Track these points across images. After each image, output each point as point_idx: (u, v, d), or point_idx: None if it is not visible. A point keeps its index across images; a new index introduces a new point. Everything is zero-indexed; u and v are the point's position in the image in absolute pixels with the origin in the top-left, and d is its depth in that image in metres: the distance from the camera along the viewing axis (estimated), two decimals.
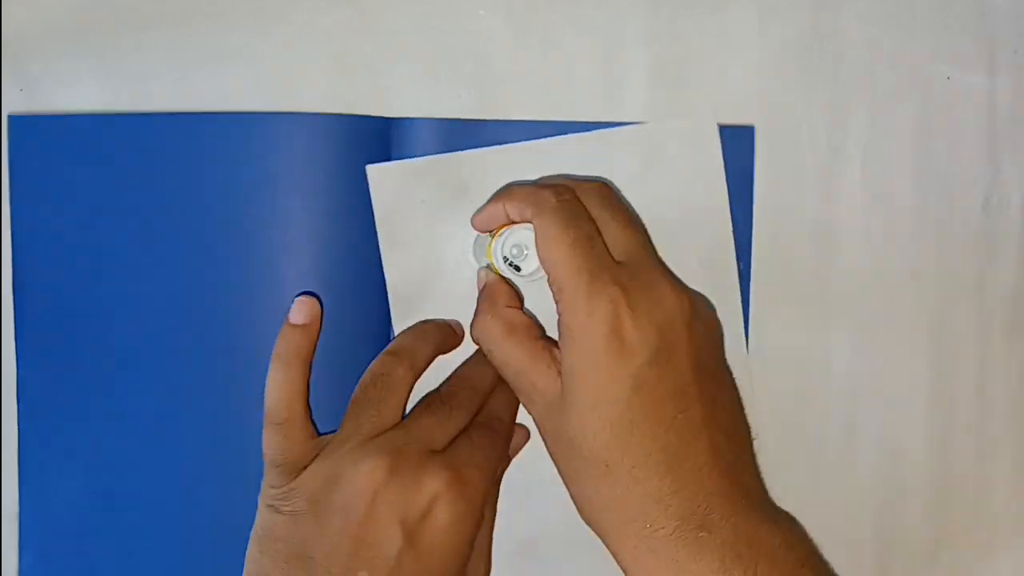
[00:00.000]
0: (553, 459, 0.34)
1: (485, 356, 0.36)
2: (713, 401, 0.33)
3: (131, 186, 0.40)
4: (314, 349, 0.37)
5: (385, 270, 0.40)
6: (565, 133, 0.40)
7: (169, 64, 0.40)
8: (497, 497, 0.38)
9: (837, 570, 0.42)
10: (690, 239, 0.40)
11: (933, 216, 0.42)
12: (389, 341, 0.39)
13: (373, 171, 0.39)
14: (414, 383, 0.36)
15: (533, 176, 0.40)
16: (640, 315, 0.32)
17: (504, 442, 0.37)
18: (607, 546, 0.33)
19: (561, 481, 0.34)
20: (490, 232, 0.37)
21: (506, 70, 0.40)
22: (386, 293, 0.40)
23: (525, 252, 0.36)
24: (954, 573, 0.43)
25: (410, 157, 0.40)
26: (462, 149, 0.40)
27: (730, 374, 0.36)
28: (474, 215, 0.38)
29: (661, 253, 0.37)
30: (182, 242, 0.40)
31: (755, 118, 0.41)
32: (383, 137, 0.40)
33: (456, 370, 0.38)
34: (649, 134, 0.40)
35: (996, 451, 0.43)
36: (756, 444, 0.35)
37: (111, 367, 0.40)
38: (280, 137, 0.39)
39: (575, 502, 0.34)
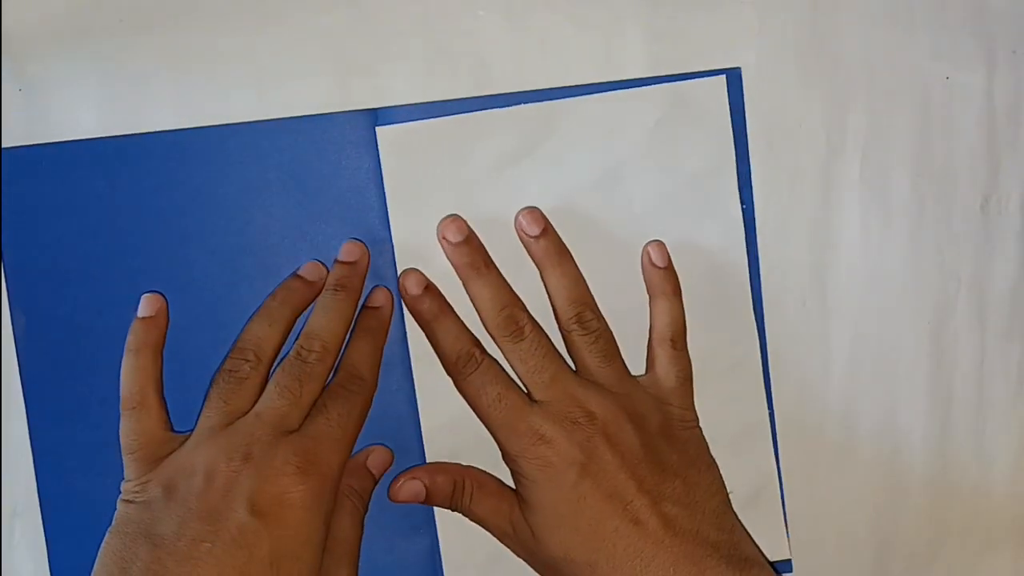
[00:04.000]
0: None
1: (331, 305, 0.38)
2: (658, 484, 0.37)
3: (131, 201, 0.40)
4: (163, 339, 0.39)
5: (392, 229, 0.40)
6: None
7: (168, 64, 0.40)
8: (369, 492, 0.39)
9: (836, 569, 0.42)
10: (700, 214, 0.41)
11: (932, 216, 0.42)
12: (403, 339, 0.40)
13: (383, 132, 0.40)
14: (266, 371, 0.38)
15: (545, 135, 0.40)
16: (558, 441, 0.37)
17: (364, 403, 0.38)
18: None
19: None
20: None
21: (505, 70, 0.40)
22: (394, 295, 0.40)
23: None
24: (953, 573, 0.43)
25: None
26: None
27: (689, 446, 0.39)
28: None
29: (671, 228, 0.40)
30: (185, 253, 0.40)
31: (753, 118, 0.41)
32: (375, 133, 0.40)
33: (307, 327, 0.38)
34: (657, 95, 0.40)
35: (996, 451, 0.43)
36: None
37: (118, 375, 0.39)
38: (277, 143, 0.40)
39: None
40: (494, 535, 0.40)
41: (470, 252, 0.39)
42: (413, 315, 0.40)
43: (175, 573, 0.32)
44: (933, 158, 0.41)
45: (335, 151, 0.40)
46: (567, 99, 0.40)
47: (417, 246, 0.40)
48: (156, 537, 0.33)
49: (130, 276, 0.40)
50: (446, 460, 0.41)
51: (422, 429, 0.41)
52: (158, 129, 0.40)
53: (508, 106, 0.40)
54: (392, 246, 0.40)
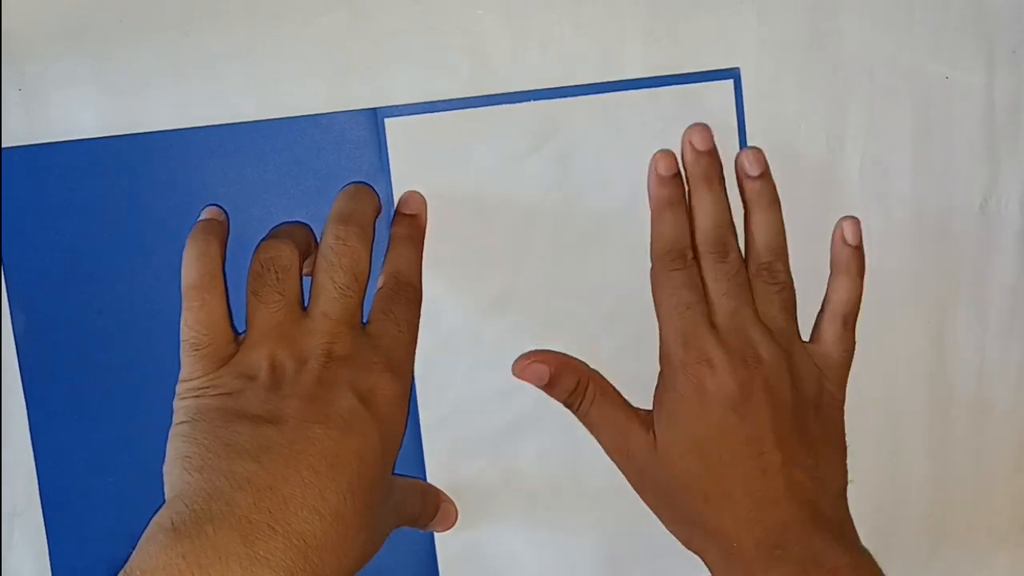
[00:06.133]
0: (653, 509, 0.39)
1: (355, 192, 0.38)
2: (795, 448, 0.37)
3: (132, 200, 0.40)
4: (227, 236, 0.37)
5: None
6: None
7: (167, 65, 0.40)
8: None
9: None
10: None
11: (931, 216, 0.42)
12: None
13: (391, 124, 0.40)
14: (302, 261, 0.36)
15: (553, 132, 0.40)
16: (722, 371, 0.37)
17: (419, 307, 0.37)
18: (706, 563, 0.38)
19: None
20: None
21: (504, 70, 0.40)
22: None
23: None
24: (953, 573, 0.43)
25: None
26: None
27: (831, 424, 0.39)
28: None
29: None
30: (181, 254, 0.40)
31: (754, 118, 0.41)
32: (376, 130, 0.40)
33: (335, 212, 0.37)
34: (664, 97, 0.40)
35: (995, 451, 0.43)
36: (850, 488, 0.39)
37: (118, 375, 0.40)
38: (277, 143, 0.40)
39: (679, 537, 0.39)
40: (605, 446, 0.39)
41: (711, 164, 0.39)
42: (651, 196, 0.40)
43: (291, 451, 0.30)
44: (933, 158, 0.41)
45: (335, 151, 0.40)
46: (576, 97, 0.40)
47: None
48: (254, 416, 0.31)
49: (130, 275, 0.40)
50: (446, 456, 0.41)
51: (421, 426, 0.41)
52: (158, 129, 0.40)
53: (504, 98, 0.40)
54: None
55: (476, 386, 0.40)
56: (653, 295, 0.39)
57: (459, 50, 0.40)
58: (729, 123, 0.40)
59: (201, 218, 0.38)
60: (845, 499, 0.38)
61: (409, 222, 0.39)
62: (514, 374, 0.40)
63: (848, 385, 0.41)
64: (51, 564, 0.41)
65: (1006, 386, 0.42)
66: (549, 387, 0.39)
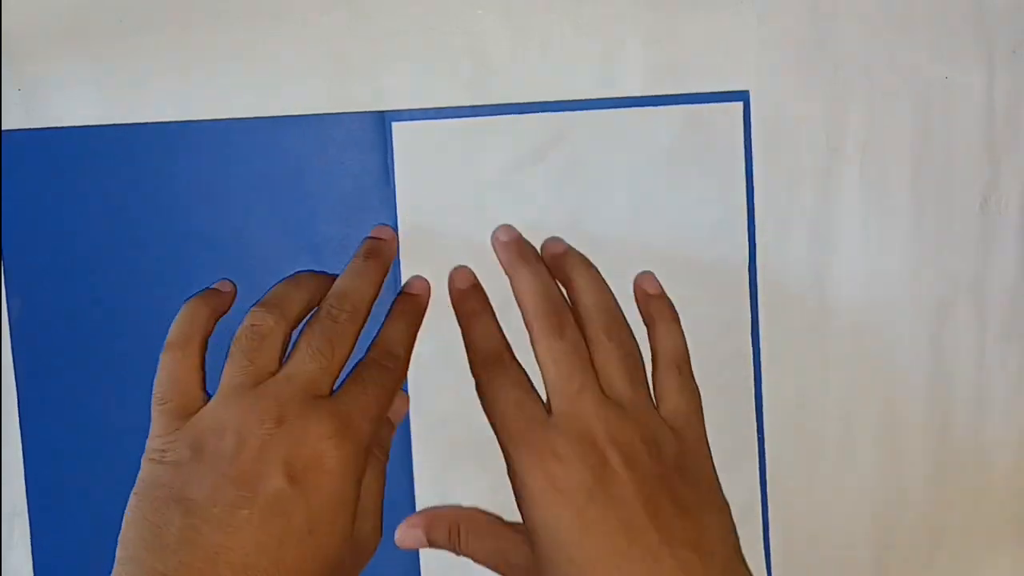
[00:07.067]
0: None
1: (362, 270, 0.38)
2: (671, 521, 0.34)
3: (132, 189, 0.40)
4: (225, 309, 0.39)
5: (399, 225, 0.40)
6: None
7: (167, 64, 0.40)
8: (389, 441, 0.39)
9: (836, 569, 0.42)
10: (707, 236, 0.41)
11: (931, 216, 0.42)
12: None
13: (399, 128, 0.40)
14: (289, 331, 0.37)
15: (558, 144, 0.40)
16: (571, 461, 0.35)
17: (396, 380, 0.38)
18: None
19: None
20: None
21: (504, 70, 0.40)
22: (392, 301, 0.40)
23: None
24: (953, 573, 0.43)
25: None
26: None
27: (702, 483, 0.37)
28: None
29: (675, 249, 0.40)
30: (185, 244, 0.40)
31: (753, 118, 0.41)
32: (382, 134, 0.40)
33: (335, 288, 0.38)
34: (672, 115, 0.40)
35: (995, 451, 0.43)
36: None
37: (112, 371, 0.40)
38: (277, 141, 0.40)
39: None
40: (492, 569, 0.38)
41: (520, 245, 0.39)
42: (456, 309, 0.40)
43: (212, 540, 0.32)
44: (933, 158, 0.41)
45: (340, 151, 0.40)
46: (583, 111, 0.40)
47: (423, 243, 0.40)
48: (189, 501, 0.32)
49: (129, 267, 0.40)
50: (437, 469, 0.41)
51: (412, 431, 0.41)
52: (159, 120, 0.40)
53: (512, 108, 0.40)
54: (396, 243, 0.40)
55: (470, 394, 0.40)
56: (485, 409, 0.38)
57: (459, 50, 0.40)
58: (736, 145, 0.40)
59: (210, 288, 0.39)
60: (738, 559, 0.36)
61: (409, 299, 0.40)
62: (397, 545, 0.39)
63: (848, 385, 0.42)
64: (33, 563, 0.40)
65: (1006, 386, 0.42)
66: (432, 545, 0.39)
